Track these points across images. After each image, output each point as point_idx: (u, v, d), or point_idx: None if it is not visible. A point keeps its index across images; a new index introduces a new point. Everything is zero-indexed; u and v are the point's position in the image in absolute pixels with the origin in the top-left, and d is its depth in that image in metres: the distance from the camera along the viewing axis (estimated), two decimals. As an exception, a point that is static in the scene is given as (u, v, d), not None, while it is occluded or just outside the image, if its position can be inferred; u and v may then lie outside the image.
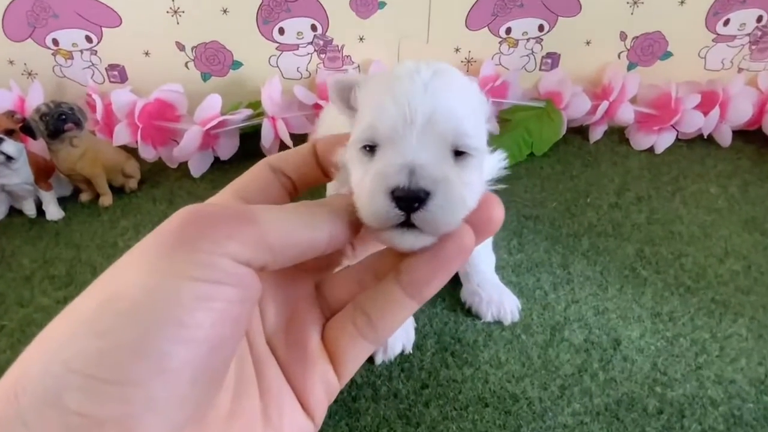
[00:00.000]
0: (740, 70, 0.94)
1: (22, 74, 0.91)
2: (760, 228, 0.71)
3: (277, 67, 0.93)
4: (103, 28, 0.88)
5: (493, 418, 0.47)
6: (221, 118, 0.83)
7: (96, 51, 0.90)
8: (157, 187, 0.84)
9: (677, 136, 0.90)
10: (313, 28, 0.89)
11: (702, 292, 0.61)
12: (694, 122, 0.86)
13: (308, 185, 0.25)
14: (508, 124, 0.89)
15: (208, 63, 0.92)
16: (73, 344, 0.15)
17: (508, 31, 0.91)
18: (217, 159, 0.88)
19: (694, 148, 0.89)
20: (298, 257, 0.20)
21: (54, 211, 0.77)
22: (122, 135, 0.81)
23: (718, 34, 0.91)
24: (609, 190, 0.80)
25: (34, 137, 0.75)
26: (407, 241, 0.22)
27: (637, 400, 0.49)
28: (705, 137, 0.90)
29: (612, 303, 0.59)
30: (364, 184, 0.23)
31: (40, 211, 0.78)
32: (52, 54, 0.90)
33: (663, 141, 0.88)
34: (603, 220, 0.73)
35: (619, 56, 0.94)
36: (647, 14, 0.89)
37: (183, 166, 0.87)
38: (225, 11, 0.87)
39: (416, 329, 0.55)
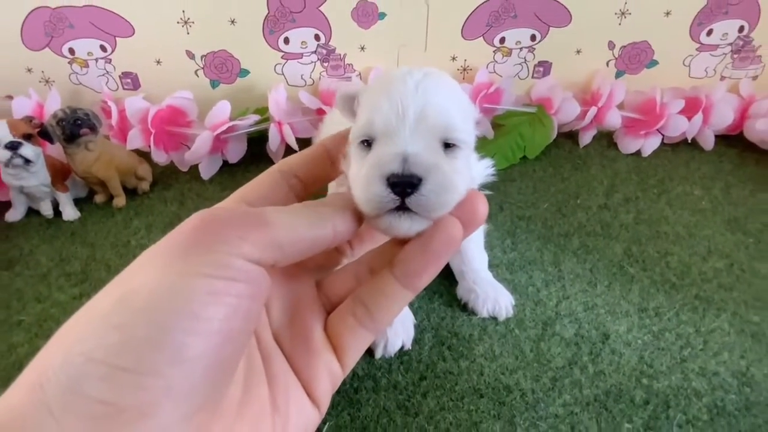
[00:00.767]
0: (723, 77, 0.94)
1: (40, 82, 0.91)
2: (742, 228, 0.71)
3: (282, 74, 0.93)
4: (116, 38, 0.88)
5: (487, 409, 0.47)
6: (230, 124, 0.83)
7: (110, 59, 0.90)
8: (168, 189, 0.84)
9: (663, 140, 0.90)
10: (317, 37, 0.89)
11: (686, 289, 0.61)
12: (679, 127, 0.86)
13: (319, 183, 0.25)
14: (502, 129, 0.89)
15: (217, 71, 0.92)
16: (94, 337, 0.16)
17: (502, 40, 0.91)
18: (225, 162, 0.88)
19: (679, 151, 0.89)
20: (306, 253, 0.20)
21: (70, 212, 0.77)
22: (135, 140, 0.82)
23: (702, 44, 0.91)
24: (598, 191, 0.80)
25: (51, 141, 0.75)
26: (403, 226, 0.22)
27: (624, 391, 0.49)
28: (689, 141, 0.90)
29: (601, 299, 0.59)
30: (361, 173, 0.23)
31: (57, 212, 0.78)
32: (69, 62, 0.90)
33: (649, 145, 0.88)
34: (592, 220, 0.73)
35: (607, 64, 0.94)
36: (634, 25, 0.89)
37: (193, 169, 0.87)
38: (233, 22, 0.87)
39: (415, 325, 0.55)
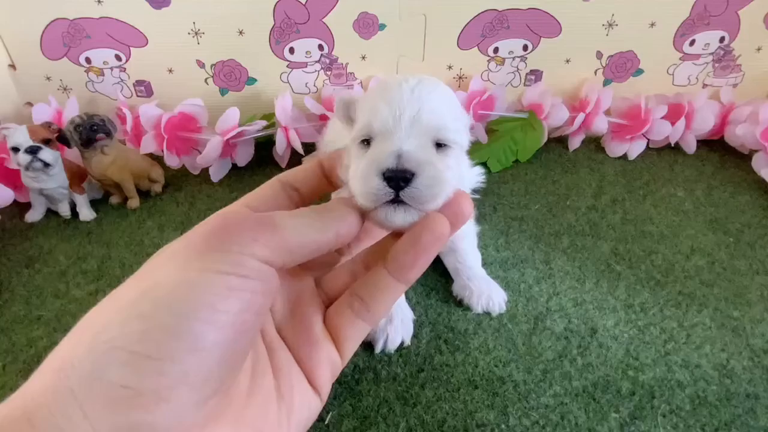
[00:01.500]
0: (705, 85, 0.94)
1: (58, 89, 0.91)
2: (723, 228, 0.71)
3: (288, 83, 0.93)
4: (131, 48, 0.88)
5: (482, 399, 0.47)
6: (239, 129, 0.83)
7: (125, 68, 0.90)
8: (179, 190, 0.84)
9: (648, 144, 0.90)
10: (320, 47, 0.89)
11: (670, 286, 0.61)
12: (663, 131, 0.86)
13: (315, 196, 0.26)
14: (496, 134, 0.89)
15: (226, 79, 0.92)
16: (118, 325, 0.16)
17: (496, 50, 0.91)
18: (234, 165, 0.88)
19: (663, 155, 0.89)
20: (311, 255, 0.20)
21: (86, 213, 0.77)
22: (149, 144, 0.81)
23: (685, 53, 0.91)
24: (587, 193, 0.80)
25: (69, 146, 0.75)
26: (398, 217, 0.23)
27: (611, 382, 0.49)
28: (673, 146, 0.90)
29: (589, 295, 0.59)
30: (360, 169, 0.25)
31: (74, 213, 0.78)
32: (85, 71, 0.90)
33: (635, 149, 0.88)
34: (581, 220, 0.73)
35: (595, 73, 0.94)
36: (621, 35, 0.89)
37: (203, 172, 0.87)
38: (241, 32, 0.87)
39: (413, 321, 0.55)
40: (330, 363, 0.23)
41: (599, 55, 0.91)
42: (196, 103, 0.84)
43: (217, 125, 0.83)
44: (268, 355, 0.22)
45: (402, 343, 0.52)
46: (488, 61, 0.92)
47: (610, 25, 0.88)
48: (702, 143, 0.90)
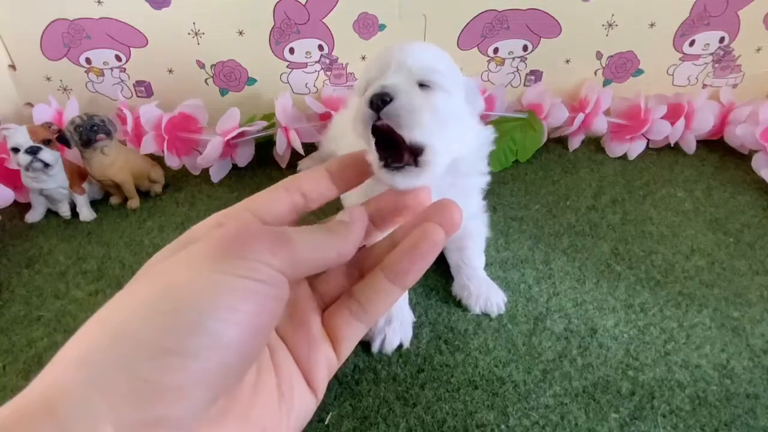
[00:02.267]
0: (704, 86, 0.94)
1: (58, 90, 0.91)
2: (723, 228, 0.71)
3: (288, 83, 0.93)
4: (131, 48, 0.88)
5: (482, 399, 0.47)
6: (240, 130, 0.83)
7: (125, 69, 0.90)
8: (179, 191, 0.84)
9: (647, 144, 0.90)
10: (320, 48, 0.89)
11: (670, 286, 0.60)
12: (663, 131, 0.86)
13: (321, 201, 0.26)
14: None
15: (226, 79, 0.92)
16: (141, 320, 0.16)
17: (496, 50, 0.91)
18: (234, 166, 0.88)
19: (663, 155, 0.89)
20: (312, 271, 0.22)
21: (86, 213, 0.77)
22: (149, 145, 0.81)
23: (685, 54, 0.91)
24: (586, 193, 0.80)
25: (69, 146, 0.75)
26: (400, 180, 0.28)
27: (611, 383, 0.49)
28: (672, 146, 0.90)
29: (589, 295, 0.59)
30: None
31: (74, 213, 0.78)
32: (85, 71, 0.90)
33: (635, 149, 0.88)
34: (581, 220, 0.73)
35: (595, 73, 0.94)
36: (621, 36, 0.89)
37: (203, 173, 0.87)
38: (241, 33, 0.87)
39: (413, 322, 0.55)
40: (327, 362, 0.24)
41: (599, 55, 0.91)
42: (196, 104, 0.84)
43: (217, 126, 0.83)
44: (270, 355, 0.22)
45: (400, 346, 0.52)
46: (488, 61, 0.92)
47: (610, 25, 0.88)
48: (702, 143, 0.90)
